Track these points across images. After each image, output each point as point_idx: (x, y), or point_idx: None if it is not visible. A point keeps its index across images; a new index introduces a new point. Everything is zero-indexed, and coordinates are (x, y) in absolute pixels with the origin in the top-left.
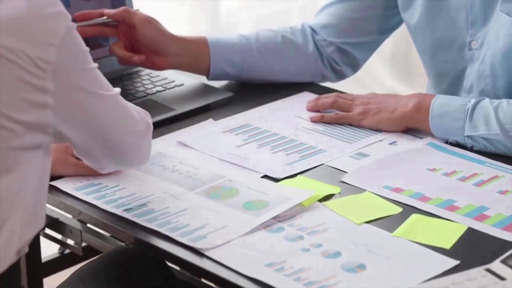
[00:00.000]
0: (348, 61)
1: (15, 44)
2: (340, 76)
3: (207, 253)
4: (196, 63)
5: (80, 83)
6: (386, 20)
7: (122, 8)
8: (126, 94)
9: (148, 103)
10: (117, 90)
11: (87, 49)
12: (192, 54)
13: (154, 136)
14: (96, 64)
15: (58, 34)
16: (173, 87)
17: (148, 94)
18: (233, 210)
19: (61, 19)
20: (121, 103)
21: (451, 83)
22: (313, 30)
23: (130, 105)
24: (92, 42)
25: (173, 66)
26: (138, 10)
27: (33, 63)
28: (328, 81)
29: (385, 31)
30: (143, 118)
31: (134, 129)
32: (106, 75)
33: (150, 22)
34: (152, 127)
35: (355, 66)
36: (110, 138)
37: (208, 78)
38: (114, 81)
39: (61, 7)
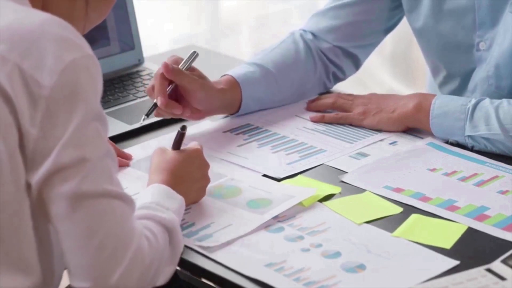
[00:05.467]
0: (353, 63)
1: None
2: (340, 80)
3: (207, 253)
4: (229, 109)
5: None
6: (391, 18)
7: (175, 69)
8: (127, 94)
9: (149, 103)
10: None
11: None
12: (229, 102)
13: (154, 136)
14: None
15: (62, 61)
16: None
17: None
18: (237, 208)
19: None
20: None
21: (459, 84)
22: (315, 36)
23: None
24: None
25: (209, 116)
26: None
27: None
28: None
29: (390, 28)
30: None
31: None
32: (106, 75)
33: (202, 86)
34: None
35: (358, 66)
36: None
37: (230, 115)
38: (114, 81)
39: (80, 41)
